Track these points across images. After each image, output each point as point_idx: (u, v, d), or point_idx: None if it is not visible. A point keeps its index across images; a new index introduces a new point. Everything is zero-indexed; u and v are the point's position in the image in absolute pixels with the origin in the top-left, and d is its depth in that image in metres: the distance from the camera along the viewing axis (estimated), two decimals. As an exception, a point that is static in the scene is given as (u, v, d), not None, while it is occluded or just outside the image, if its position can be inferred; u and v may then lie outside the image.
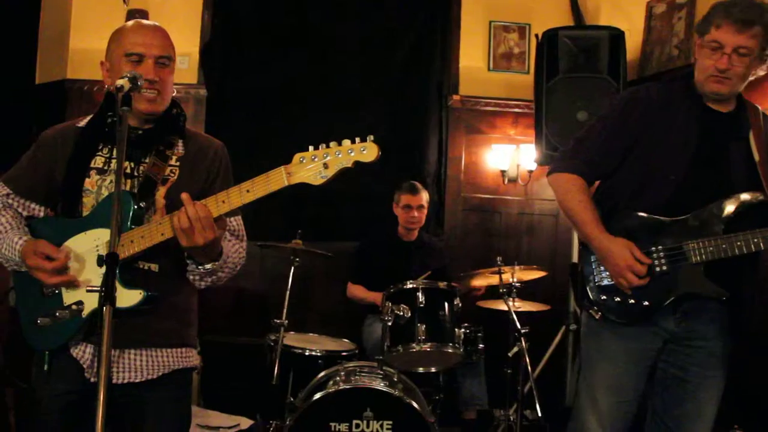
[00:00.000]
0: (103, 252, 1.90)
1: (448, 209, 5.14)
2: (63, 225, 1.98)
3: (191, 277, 2.00)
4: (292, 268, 3.83)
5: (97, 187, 1.97)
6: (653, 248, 2.24)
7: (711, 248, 2.16)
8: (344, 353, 3.73)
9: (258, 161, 4.85)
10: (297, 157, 1.72)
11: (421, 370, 3.47)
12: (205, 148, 2.08)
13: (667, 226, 2.24)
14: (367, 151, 1.69)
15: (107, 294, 1.53)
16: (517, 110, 5.13)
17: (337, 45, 5.07)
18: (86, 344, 1.95)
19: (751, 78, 2.29)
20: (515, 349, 3.67)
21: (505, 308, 3.64)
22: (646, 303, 2.24)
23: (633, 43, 4.61)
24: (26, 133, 4.32)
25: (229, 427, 3.76)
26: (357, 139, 1.70)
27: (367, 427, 3.14)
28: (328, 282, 4.86)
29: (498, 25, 5.17)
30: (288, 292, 3.78)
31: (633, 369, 2.31)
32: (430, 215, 4.71)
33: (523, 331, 3.50)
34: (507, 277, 3.72)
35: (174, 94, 2.10)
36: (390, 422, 3.14)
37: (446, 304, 3.40)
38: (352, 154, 1.69)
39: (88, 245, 1.93)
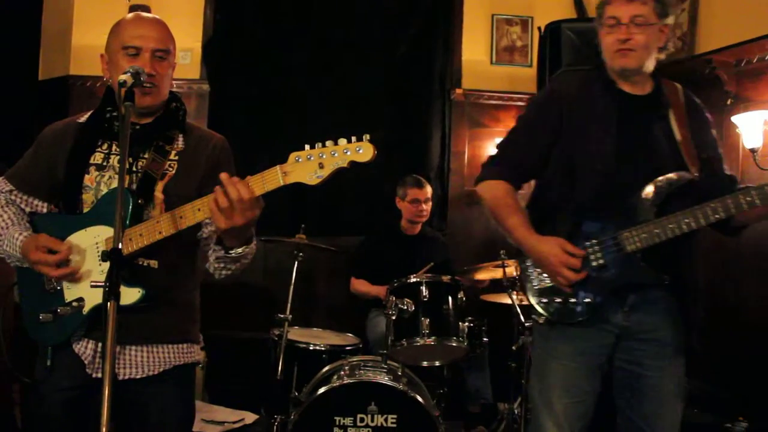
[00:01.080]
0: (103, 248, 1.89)
1: (452, 203, 5.13)
2: (64, 221, 1.98)
3: (215, 265, 1.97)
4: (296, 262, 3.84)
5: (96, 184, 1.97)
6: (588, 243, 2.19)
7: (644, 234, 2.12)
8: (348, 348, 3.73)
9: (260, 155, 4.87)
10: (293, 156, 1.70)
11: (425, 363, 3.47)
12: (205, 142, 2.07)
13: (600, 218, 2.20)
14: (362, 151, 1.66)
15: (111, 289, 1.52)
16: (520, 103, 5.10)
17: (339, 40, 5.07)
18: (88, 340, 1.96)
19: (663, 57, 2.30)
20: (519, 342, 3.67)
21: (509, 302, 3.63)
22: (588, 300, 2.19)
23: (636, 36, 4.59)
24: (29, 129, 4.32)
25: (234, 422, 3.77)
26: (353, 138, 1.67)
27: (372, 421, 3.14)
28: (332, 276, 4.86)
29: (500, 18, 5.16)
30: (292, 287, 3.78)
31: (585, 368, 2.25)
32: (434, 209, 4.71)
33: (527, 324, 3.49)
34: (511, 270, 3.70)
35: (174, 89, 2.09)
36: (394, 416, 3.14)
37: (450, 298, 3.40)
38: (348, 153, 1.66)
39: (88, 242, 1.93)
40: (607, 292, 2.19)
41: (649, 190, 2.16)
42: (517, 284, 2.36)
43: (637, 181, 2.17)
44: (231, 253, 1.89)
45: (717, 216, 2.06)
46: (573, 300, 2.21)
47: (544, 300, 2.27)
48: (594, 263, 2.18)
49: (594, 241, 2.19)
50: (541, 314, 2.29)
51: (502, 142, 2.45)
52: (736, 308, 3.87)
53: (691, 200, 2.12)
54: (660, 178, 2.16)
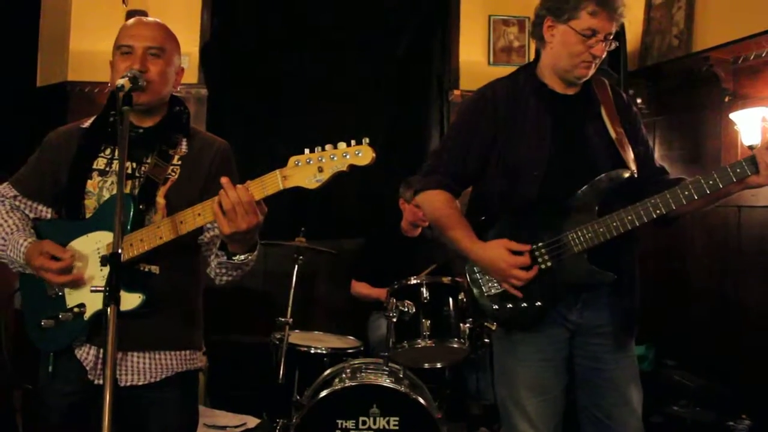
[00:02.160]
0: (105, 254, 1.89)
1: (451, 204, 5.11)
2: (66, 227, 1.98)
3: (216, 270, 1.97)
4: (296, 266, 3.84)
5: (98, 189, 1.97)
6: (534, 246, 2.18)
7: (589, 234, 2.12)
8: (350, 350, 3.73)
9: (259, 159, 4.86)
10: (292, 160, 1.70)
11: (426, 365, 3.46)
12: (208, 147, 2.06)
13: (544, 222, 2.19)
14: (362, 154, 1.66)
15: (111, 294, 1.52)
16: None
17: (337, 42, 5.06)
18: (90, 346, 1.95)
19: None
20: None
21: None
22: (539, 303, 2.18)
23: (633, 34, 4.59)
24: (28, 136, 4.31)
25: (236, 426, 3.77)
26: (352, 142, 1.67)
27: (374, 423, 3.14)
28: (332, 279, 4.86)
29: (497, 19, 5.16)
30: (292, 290, 3.78)
31: (550, 364, 2.24)
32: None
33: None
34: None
35: (175, 92, 2.08)
36: (397, 418, 3.14)
37: (451, 299, 3.39)
38: (347, 157, 1.66)
39: (89, 248, 1.93)
40: (555, 294, 2.18)
41: (587, 190, 2.15)
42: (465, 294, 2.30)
43: (576, 181, 2.16)
44: (234, 260, 1.88)
45: (659, 211, 2.07)
46: (524, 305, 2.19)
47: (496, 306, 2.25)
48: (542, 266, 2.17)
49: (540, 244, 2.18)
50: (494, 321, 2.29)
51: (436, 151, 2.44)
52: (738, 305, 3.87)
53: (629, 196, 2.13)
54: (599, 176, 2.15)
